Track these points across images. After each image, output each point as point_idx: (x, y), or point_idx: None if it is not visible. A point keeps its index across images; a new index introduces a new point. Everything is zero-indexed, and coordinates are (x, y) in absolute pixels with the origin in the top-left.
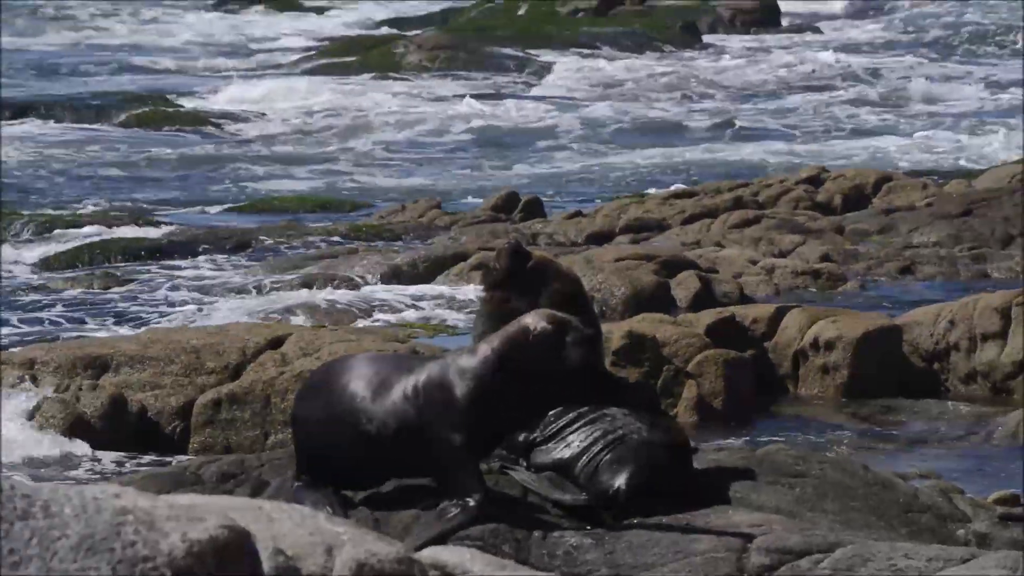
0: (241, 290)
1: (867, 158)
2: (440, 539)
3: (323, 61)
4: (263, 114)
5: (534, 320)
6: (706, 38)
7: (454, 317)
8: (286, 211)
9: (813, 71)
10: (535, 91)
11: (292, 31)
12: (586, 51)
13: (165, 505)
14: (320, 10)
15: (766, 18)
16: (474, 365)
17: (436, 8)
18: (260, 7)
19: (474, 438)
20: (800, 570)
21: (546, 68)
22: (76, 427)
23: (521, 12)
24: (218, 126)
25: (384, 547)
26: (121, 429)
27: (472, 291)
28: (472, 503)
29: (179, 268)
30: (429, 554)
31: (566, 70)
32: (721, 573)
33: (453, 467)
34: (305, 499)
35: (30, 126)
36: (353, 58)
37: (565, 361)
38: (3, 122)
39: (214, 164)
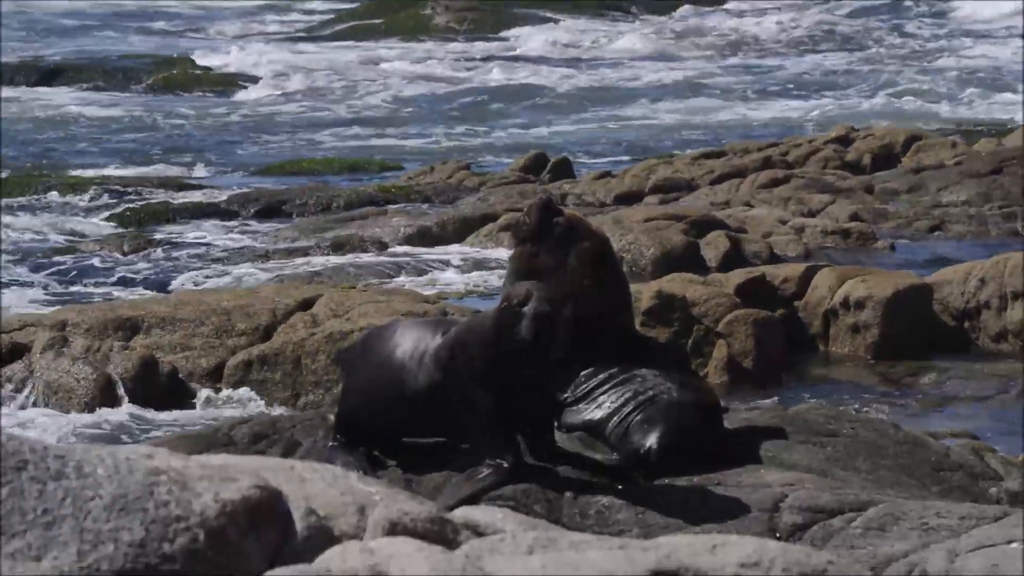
0: (271, 252)
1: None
2: (471, 499)
3: (351, 23)
4: (286, 75)
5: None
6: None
7: (484, 277)
8: (314, 173)
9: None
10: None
11: None
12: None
13: (197, 465)
14: None
15: None
16: (487, 328)
17: None
18: None
19: (501, 398)
20: (832, 529)
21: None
22: (107, 389)
23: None
24: (244, 88)
25: (416, 506)
26: (152, 390)
27: (501, 252)
28: (504, 464)
29: (209, 231)
30: (461, 514)
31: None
32: (753, 532)
33: (483, 428)
34: (337, 459)
35: (58, 91)
36: (379, 20)
37: (516, 337)
38: (33, 87)
39: (240, 127)
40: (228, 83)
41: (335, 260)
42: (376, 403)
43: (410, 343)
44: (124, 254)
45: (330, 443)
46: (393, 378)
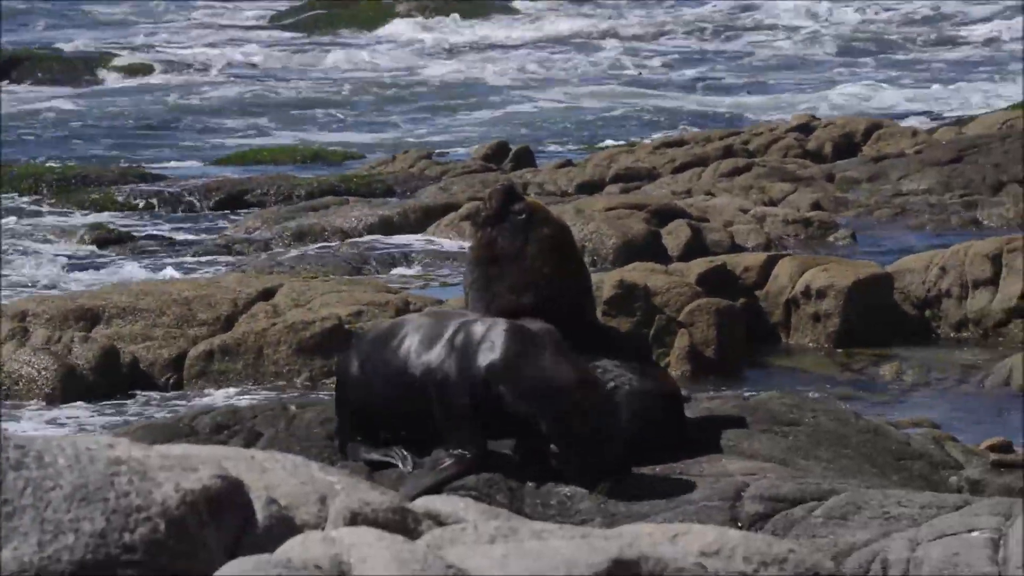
0: (232, 242)
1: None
2: (435, 488)
3: (310, 14)
4: (253, 65)
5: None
6: None
7: (446, 267)
8: (276, 163)
9: None
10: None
11: None
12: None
13: (158, 455)
14: None
15: None
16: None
17: None
18: None
19: (483, 405)
20: (793, 518)
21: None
22: (68, 379)
23: None
24: (204, 76)
25: (377, 496)
26: (114, 381)
27: (463, 242)
28: (467, 454)
29: (170, 221)
30: (423, 503)
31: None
32: (715, 521)
33: (454, 419)
34: (367, 455)
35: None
36: (340, 12)
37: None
38: None
39: (199, 116)
40: (186, 71)
41: (296, 250)
42: (385, 393)
43: (419, 333)
44: (84, 244)
45: (350, 444)
46: (402, 366)
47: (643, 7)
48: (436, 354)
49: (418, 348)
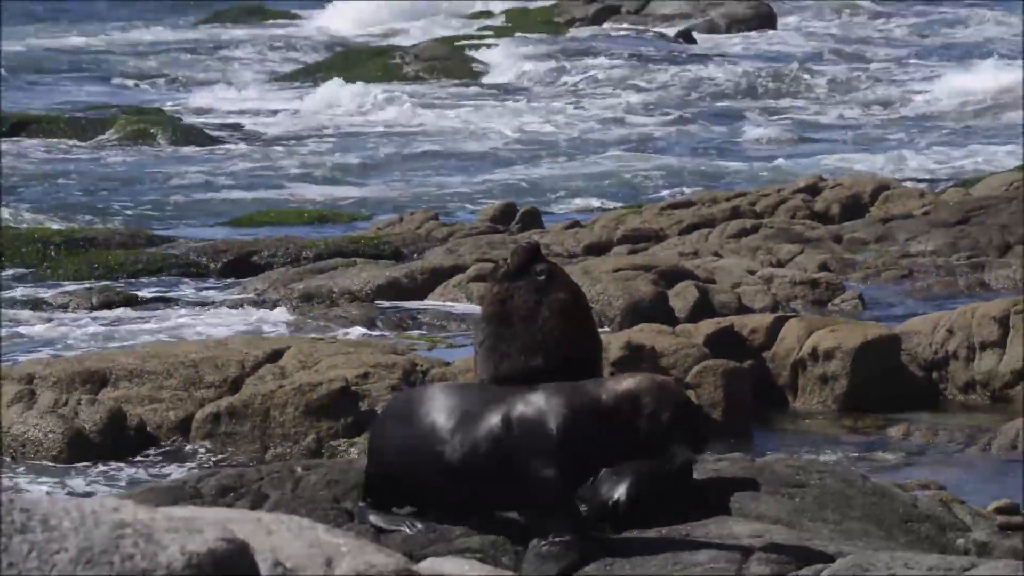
0: (239, 304)
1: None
2: None
3: (320, 73)
4: (259, 129)
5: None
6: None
7: (453, 328)
8: (283, 224)
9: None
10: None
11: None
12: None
13: (163, 517)
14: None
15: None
16: (568, 398)
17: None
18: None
19: (568, 471)
20: None
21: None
22: (75, 442)
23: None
24: (214, 139)
25: (383, 558)
26: (121, 443)
27: (471, 303)
28: (568, 537)
29: (177, 283)
30: (428, 565)
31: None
32: None
33: (550, 502)
34: (371, 518)
35: (23, 142)
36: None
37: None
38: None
39: (209, 177)
40: (195, 135)
41: (304, 311)
42: (412, 468)
43: (451, 408)
44: (91, 308)
45: (360, 503)
46: (433, 442)
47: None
48: (489, 433)
49: (459, 427)
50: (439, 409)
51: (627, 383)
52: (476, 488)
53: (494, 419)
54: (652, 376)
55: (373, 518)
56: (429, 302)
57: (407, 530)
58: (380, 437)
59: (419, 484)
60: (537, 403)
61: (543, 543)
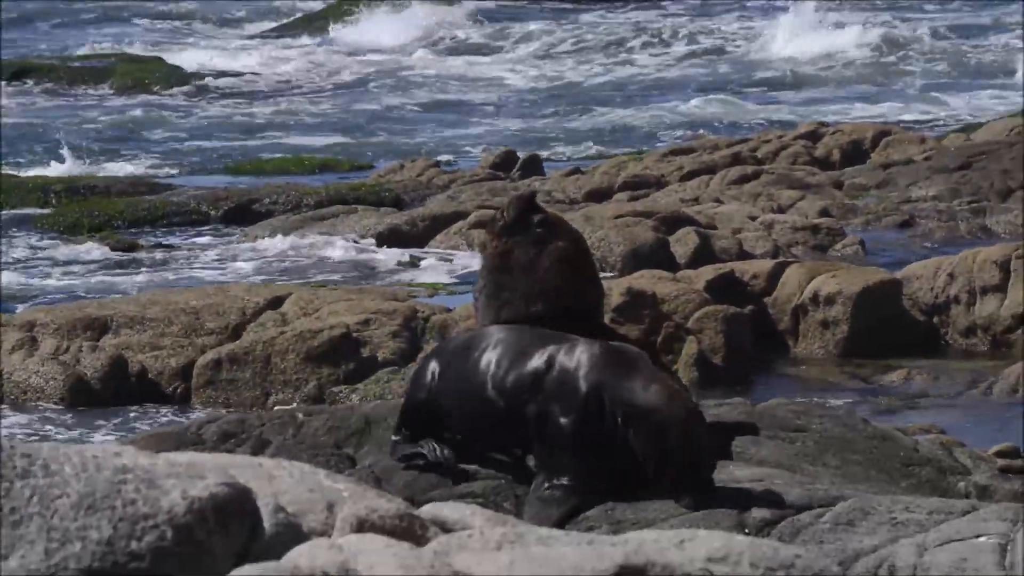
0: (240, 251)
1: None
2: (559, 525)
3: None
4: (257, 74)
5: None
6: None
7: (454, 275)
8: (284, 172)
9: None
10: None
11: None
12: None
13: (165, 463)
14: None
15: None
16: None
17: None
18: None
19: (585, 427)
20: (800, 524)
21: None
22: (76, 388)
23: None
24: (212, 88)
25: (384, 503)
26: (121, 390)
27: (472, 250)
28: (569, 483)
29: (178, 230)
30: (429, 509)
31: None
32: (722, 527)
33: (562, 445)
34: (404, 452)
35: (24, 89)
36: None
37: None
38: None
39: (210, 126)
40: (195, 82)
41: (305, 258)
42: (456, 402)
43: (507, 347)
44: (92, 253)
45: (393, 437)
46: (483, 378)
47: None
48: (530, 374)
49: (507, 365)
50: (489, 343)
51: (660, 402)
52: (506, 421)
53: (539, 359)
54: (684, 410)
55: (403, 448)
56: (430, 247)
57: (430, 456)
58: (428, 366)
59: (457, 413)
60: (579, 355)
61: (545, 486)
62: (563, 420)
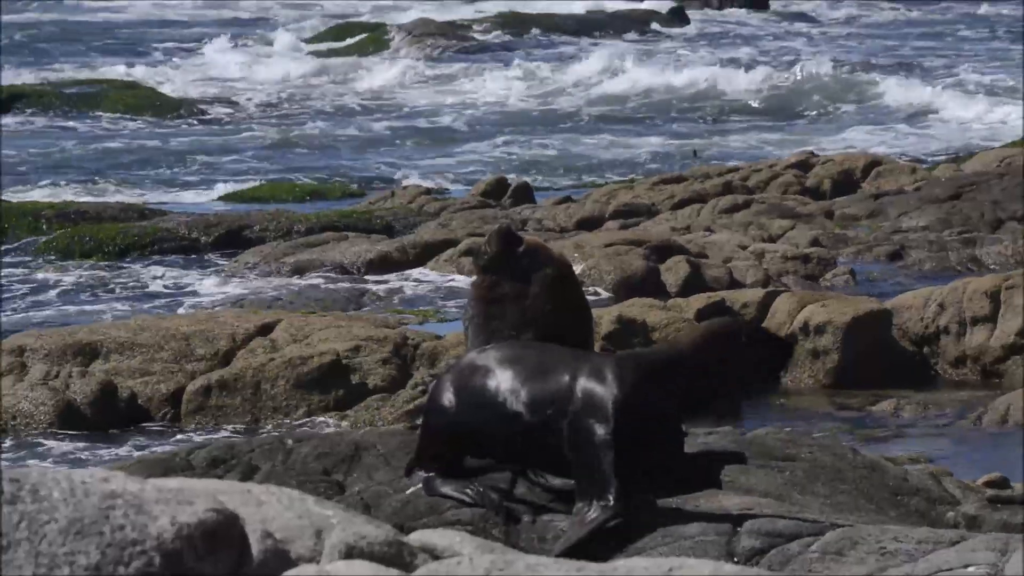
0: (231, 278)
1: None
2: (586, 541)
3: (312, 47)
4: (249, 99)
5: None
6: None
7: (444, 303)
8: (276, 199)
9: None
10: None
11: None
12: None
13: (154, 489)
14: None
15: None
16: (635, 366)
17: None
18: None
19: (621, 437)
20: (790, 553)
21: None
22: (66, 414)
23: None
24: (205, 113)
25: (373, 530)
26: (111, 416)
27: (462, 277)
28: (610, 502)
29: (169, 256)
30: (418, 537)
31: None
32: (711, 556)
33: (594, 459)
34: (441, 488)
35: (13, 117)
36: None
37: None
38: None
39: (203, 151)
40: (189, 108)
41: (295, 285)
42: (479, 421)
43: (524, 363)
44: (84, 280)
45: (422, 473)
46: (503, 395)
47: None
48: (554, 389)
49: (528, 380)
50: (507, 363)
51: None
52: (536, 440)
53: (563, 376)
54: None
55: (444, 488)
56: (421, 274)
57: (474, 499)
58: (442, 393)
59: (483, 437)
60: (602, 368)
61: (587, 511)
62: (599, 430)
